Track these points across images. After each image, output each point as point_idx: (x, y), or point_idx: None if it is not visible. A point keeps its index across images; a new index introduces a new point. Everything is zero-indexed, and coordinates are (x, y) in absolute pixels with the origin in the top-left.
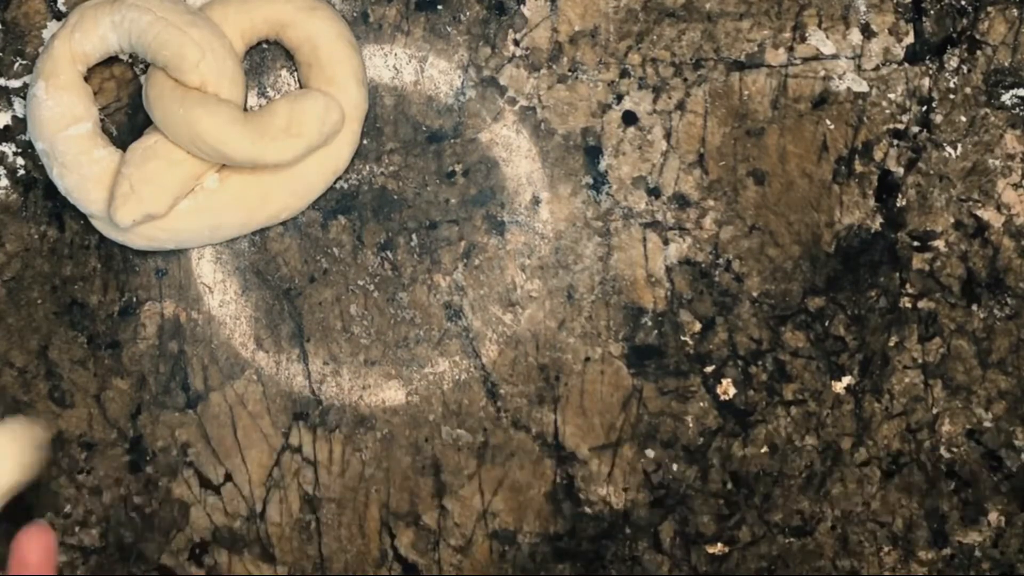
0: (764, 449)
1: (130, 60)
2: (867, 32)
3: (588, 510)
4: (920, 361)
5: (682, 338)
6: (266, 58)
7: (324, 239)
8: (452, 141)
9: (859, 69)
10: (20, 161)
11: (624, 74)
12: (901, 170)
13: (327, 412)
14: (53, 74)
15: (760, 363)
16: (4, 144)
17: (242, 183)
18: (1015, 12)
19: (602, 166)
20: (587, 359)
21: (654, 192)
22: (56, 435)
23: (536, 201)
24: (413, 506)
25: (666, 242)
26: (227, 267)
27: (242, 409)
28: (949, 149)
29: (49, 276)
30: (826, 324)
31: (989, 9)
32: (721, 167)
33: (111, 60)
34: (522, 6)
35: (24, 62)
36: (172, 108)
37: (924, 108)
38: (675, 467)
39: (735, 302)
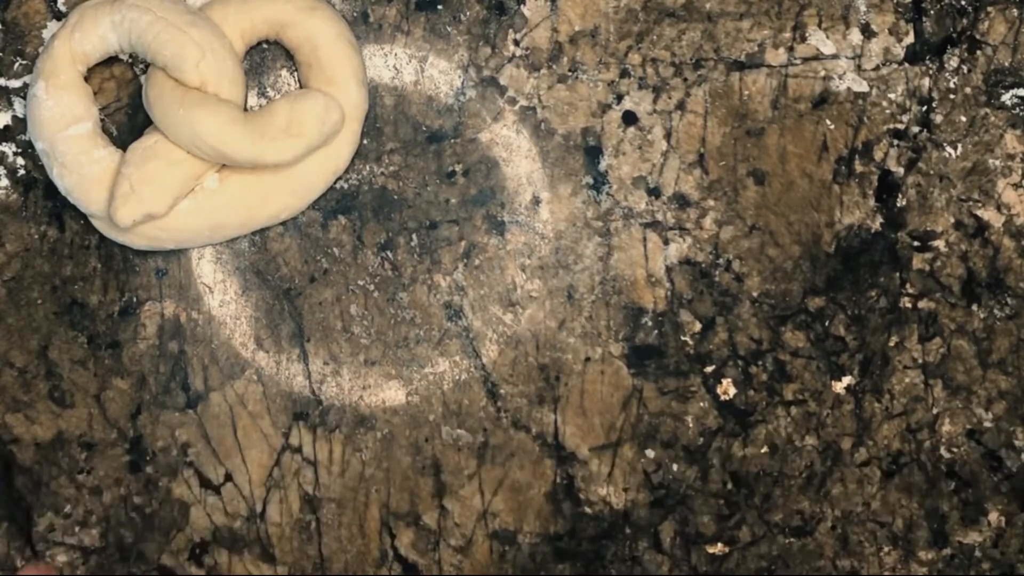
0: (764, 449)
1: (130, 60)
2: (867, 32)
3: (588, 510)
4: (920, 361)
5: (682, 338)
6: (266, 58)
7: (324, 239)
8: (452, 141)
9: (859, 69)
10: (20, 161)
11: (624, 74)
12: (901, 170)
13: (327, 412)
14: (53, 74)
15: (760, 363)
16: (4, 144)
17: (242, 183)
18: (1015, 12)
19: (602, 166)
20: (587, 359)
21: (654, 192)
22: (56, 435)
23: (536, 201)
24: (413, 506)
25: (666, 242)
26: (227, 267)
27: (242, 409)
28: (949, 149)
29: (49, 276)
30: (826, 324)
31: (989, 9)
32: (721, 167)
33: (111, 60)
34: (522, 6)
35: (24, 62)
36: (172, 108)
37: (924, 108)
38: (675, 467)
39: (735, 302)
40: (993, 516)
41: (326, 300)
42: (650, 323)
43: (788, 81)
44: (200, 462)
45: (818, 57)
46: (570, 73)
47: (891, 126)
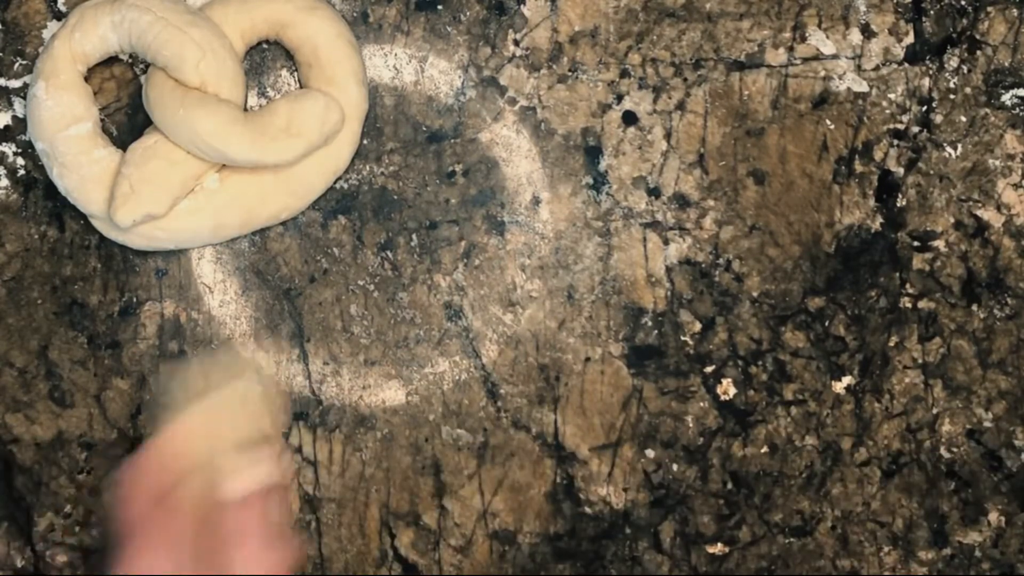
0: (764, 449)
1: (130, 60)
2: (867, 32)
3: (588, 510)
4: (920, 361)
5: (682, 338)
6: (266, 58)
7: (324, 239)
8: (452, 141)
9: (859, 69)
10: (20, 161)
11: (624, 74)
12: (901, 170)
13: (327, 412)
14: (53, 74)
15: (760, 363)
16: (4, 144)
17: (242, 183)
18: (1015, 12)
19: (602, 166)
20: (587, 359)
21: (654, 192)
22: (56, 435)
23: (536, 201)
24: (413, 506)
25: (666, 242)
26: (227, 267)
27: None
28: (949, 149)
29: (49, 276)
30: (826, 324)
31: (989, 9)
32: (721, 167)
33: (111, 60)
34: (522, 6)
35: (24, 62)
36: (172, 108)
37: (924, 108)
38: (675, 467)
39: (735, 302)
40: (993, 516)
41: (326, 300)
42: (650, 323)
43: (788, 81)
44: None
45: (818, 57)
46: (570, 73)
47: (891, 126)
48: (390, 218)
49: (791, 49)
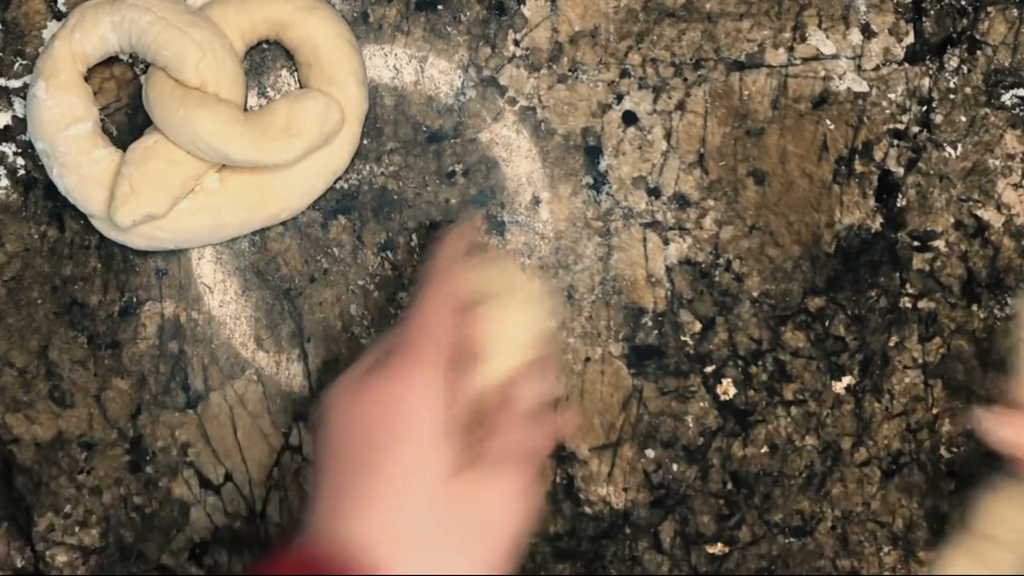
0: (764, 449)
1: (130, 60)
2: (867, 32)
3: (588, 510)
4: (920, 361)
5: (682, 338)
6: (266, 58)
7: (324, 239)
8: (452, 141)
9: (859, 69)
10: (20, 161)
11: (624, 74)
12: (901, 170)
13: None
14: (53, 74)
15: (760, 363)
16: (4, 144)
17: (242, 183)
18: (1015, 12)
19: (602, 166)
20: (587, 359)
21: (654, 192)
22: (56, 435)
23: (536, 201)
24: None
25: (666, 242)
26: (227, 267)
27: (242, 409)
28: (949, 149)
29: (49, 276)
30: (826, 324)
31: (989, 9)
32: (721, 167)
33: (111, 60)
34: (522, 6)
35: (24, 62)
36: (172, 108)
37: (924, 108)
38: (675, 467)
39: (735, 302)
40: None
41: (326, 300)
42: (650, 323)
43: (788, 81)
44: (200, 462)
45: (818, 57)
46: (570, 73)
47: (891, 126)
48: (390, 218)
49: (791, 49)
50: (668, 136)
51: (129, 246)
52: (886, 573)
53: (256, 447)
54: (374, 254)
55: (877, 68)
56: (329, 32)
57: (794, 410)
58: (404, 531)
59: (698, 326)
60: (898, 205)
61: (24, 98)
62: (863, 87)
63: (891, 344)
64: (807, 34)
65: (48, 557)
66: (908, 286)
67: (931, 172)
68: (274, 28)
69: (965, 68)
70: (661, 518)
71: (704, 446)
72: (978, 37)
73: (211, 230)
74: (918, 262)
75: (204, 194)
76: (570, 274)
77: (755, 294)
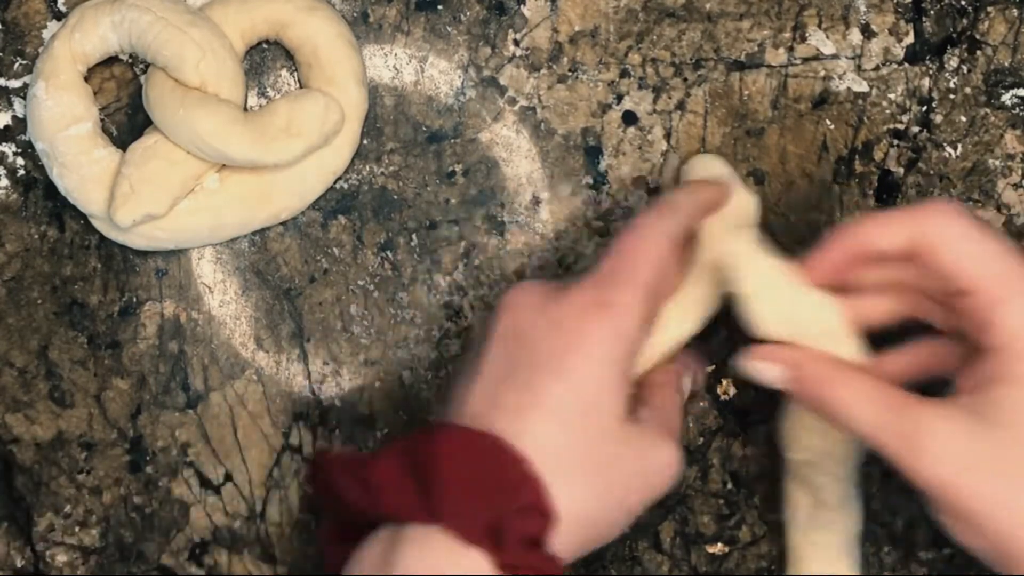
0: (764, 449)
1: (130, 60)
2: (867, 32)
3: None
4: None
5: None
6: (266, 58)
7: (324, 239)
8: (452, 141)
9: (859, 69)
10: (20, 161)
11: (624, 74)
12: (901, 170)
13: (327, 412)
14: (53, 74)
15: None
16: (4, 144)
17: (242, 183)
18: (1015, 12)
19: (602, 166)
20: None
21: (655, 192)
22: (56, 435)
23: (536, 201)
24: None
25: None
26: (227, 267)
27: (242, 409)
28: (949, 149)
29: (49, 276)
30: None
31: (989, 9)
32: None
33: (111, 60)
34: (522, 6)
35: (24, 62)
36: (172, 108)
37: (924, 108)
38: None
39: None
40: None
41: (326, 300)
42: None
43: (788, 81)
44: (200, 462)
45: (818, 57)
46: (570, 73)
47: (891, 126)
48: (390, 218)
49: (791, 49)
50: (668, 136)
51: (129, 246)
52: (886, 573)
53: (256, 447)
54: (374, 254)
55: (877, 68)
56: (329, 32)
57: None
58: (566, 453)
59: None
60: (898, 205)
61: (24, 98)
62: (863, 87)
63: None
64: (807, 34)
65: (48, 557)
66: None
67: (931, 172)
68: (274, 28)
69: (965, 68)
70: (661, 518)
71: (704, 446)
72: (978, 37)
73: (211, 230)
74: None
75: (204, 194)
76: (570, 274)
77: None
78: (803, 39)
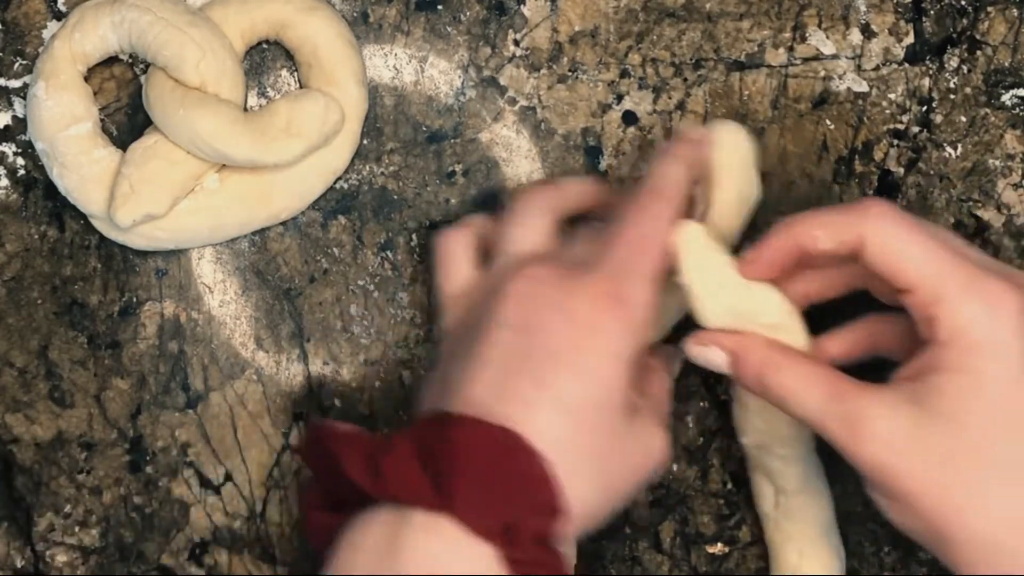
0: None
1: (130, 60)
2: (867, 32)
3: None
4: None
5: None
6: (266, 58)
7: (324, 239)
8: (452, 141)
9: (859, 69)
10: (20, 161)
11: (624, 74)
12: (901, 170)
13: (327, 412)
14: (53, 74)
15: None
16: (4, 144)
17: (242, 183)
18: (1015, 12)
19: (602, 166)
20: None
21: None
22: (56, 435)
23: None
24: None
25: None
26: (227, 267)
27: (242, 409)
28: (949, 149)
29: (49, 276)
30: (827, 323)
31: (989, 9)
32: None
33: (111, 60)
34: (522, 6)
35: (24, 62)
36: (172, 108)
37: (924, 108)
38: (675, 467)
39: None
40: None
41: (326, 300)
42: None
43: (788, 81)
44: (200, 462)
45: (818, 57)
46: (570, 73)
47: (891, 126)
48: (390, 218)
49: (791, 49)
50: (668, 136)
51: (129, 246)
52: (886, 573)
53: (256, 447)
54: (374, 254)
55: (877, 68)
56: (329, 32)
57: None
58: (573, 449)
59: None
60: (898, 205)
61: (24, 98)
62: (863, 87)
63: None
64: (807, 34)
65: (48, 557)
66: None
67: (931, 172)
68: (274, 28)
69: (965, 68)
70: (661, 518)
71: (704, 446)
72: (978, 37)
73: (211, 230)
74: None
75: (204, 194)
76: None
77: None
78: (803, 39)
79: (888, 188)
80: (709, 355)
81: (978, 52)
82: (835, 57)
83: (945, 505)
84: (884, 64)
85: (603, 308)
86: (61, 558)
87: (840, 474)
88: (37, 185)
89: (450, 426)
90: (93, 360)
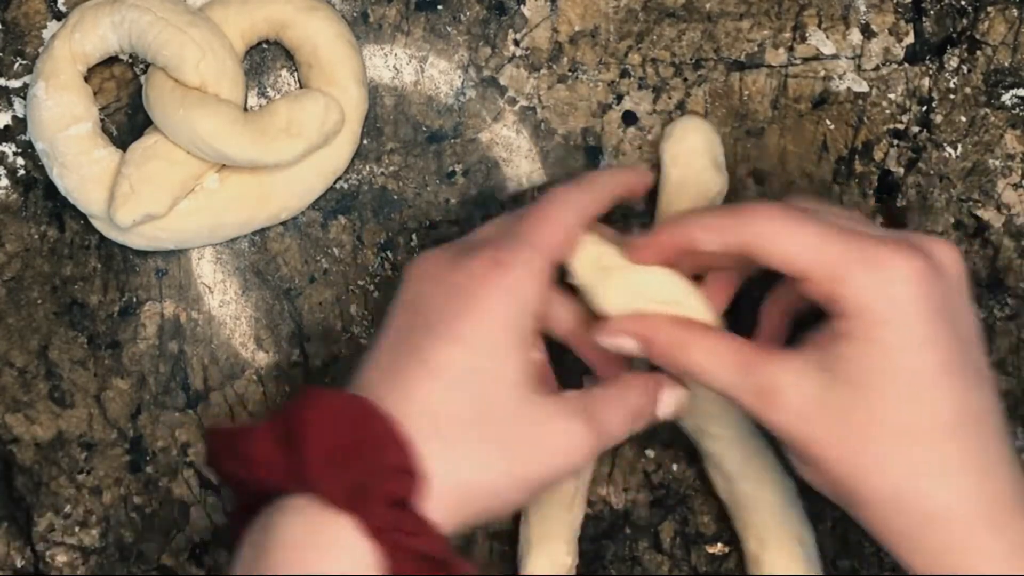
0: None
1: (130, 60)
2: (867, 32)
3: (588, 510)
4: None
5: None
6: (266, 58)
7: (324, 239)
8: (452, 141)
9: (859, 69)
10: (20, 161)
11: (624, 74)
12: (901, 170)
13: None
14: (53, 74)
15: None
16: (4, 144)
17: (242, 183)
18: (1015, 12)
19: (602, 166)
20: None
21: (654, 193)
22: (56, 435)
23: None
24: None
25: None
26: (227, 267)
27: (242, 409)
28: (949, 149)
29: (49, 276)
30: None
31: (989, 9)
32: None
33: (111, 60)
34: (522, 6)
35: (24, 62)
36: (172, 108)
37: (924, 108)
38: (675, 467)
39: (735, 301)
40: None
41: (326, 300)
42: None
43: (788, 81)
44: (200, 462)
45: (818, 57)
46: (570, 73)
47: (891, 126)
48: (390, 218)
49: (791, 49)
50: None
51: (129, 246)
52: (886, 573)
53: None
54: (374, 254)
55: (877, 68)
56: (329, 32)
57: None
58: (448, 418)
59: None
60: (898, 205)
61: (24, 98)
62: (863, 87)
63: None
64: (807, 34)
65: (48, 557)
66: None
67: (931, 172)
68: (274, 28)
69: (965, 68)
70: (661, 518)
71: None
72: (978, 37)
73: (211, 230)
74: None
75: (204, 194)
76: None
77: (756, 293)
78: (803, 39)
79: (888, 188)
80: (619, 342)
81: (978, 52)
82: (835, 57)
83: (852, 467)
84: (884, 64)
85: (481, 275)
86: (61, 558)
87: None
88: (37, 185)
89: (303, 403)
90: (93, 360)
